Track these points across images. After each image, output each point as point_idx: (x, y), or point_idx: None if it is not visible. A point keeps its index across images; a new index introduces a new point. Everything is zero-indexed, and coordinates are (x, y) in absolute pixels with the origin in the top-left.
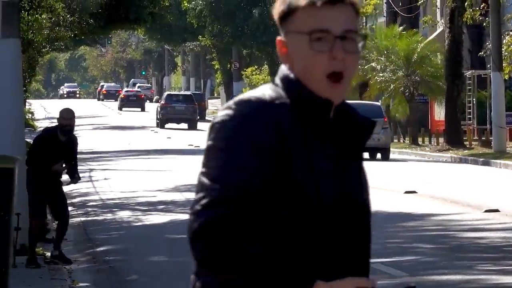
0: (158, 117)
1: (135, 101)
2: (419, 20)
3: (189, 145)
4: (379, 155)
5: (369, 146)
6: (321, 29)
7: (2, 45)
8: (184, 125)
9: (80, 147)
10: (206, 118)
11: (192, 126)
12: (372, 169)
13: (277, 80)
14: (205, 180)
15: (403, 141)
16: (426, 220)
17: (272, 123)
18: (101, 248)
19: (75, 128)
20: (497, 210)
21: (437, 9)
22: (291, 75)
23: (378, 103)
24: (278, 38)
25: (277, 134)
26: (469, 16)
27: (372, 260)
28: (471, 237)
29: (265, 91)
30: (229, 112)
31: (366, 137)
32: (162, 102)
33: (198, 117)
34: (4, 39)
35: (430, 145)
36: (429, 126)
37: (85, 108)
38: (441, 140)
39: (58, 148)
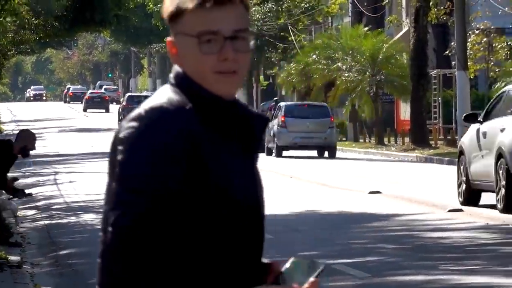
0: (120, 117)
1: (99, 103)
2: (384, 20)
3: None
4: (326, 154)
5: (316, 145)
6: (210, 31)
7: None
8: None
9: (46, 150)
10: None
11: None
12: (336, 169)
13: (172, 81)
14: (122, 193)
15: (369, 141)
16: (390, 220)
17: (183, 129)
18: (65, 251)
19: (42, 131)
20: (461, 210)
21: (403, 9)
22: (184, 76)
23: (325, 104)
24: (168, 38)
25: (188, 140)
26: (434, 15)
27: (335, 261)
28: (434, 237)
29: (170, 95)
30: (140, 122)
31: (261, 134)
32: (124, 103)
33: None
34: None
35: (396, 144)
36: (395, 126)
37: (51, 111)
38: (407, 139)
39: (10, 161)
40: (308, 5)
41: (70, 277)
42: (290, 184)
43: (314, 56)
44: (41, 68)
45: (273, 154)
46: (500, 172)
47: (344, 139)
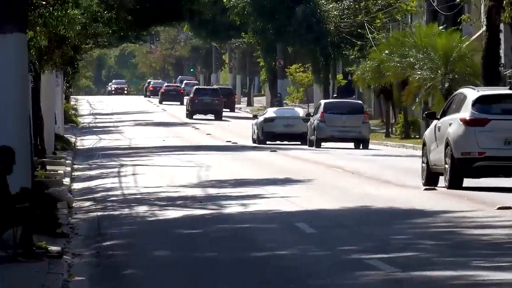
0: (188, 108)
1: (174, 96)
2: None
3: (227, 141)
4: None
5: (351, 137)
6: None
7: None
8: (211, 116)
9: (118, 143)
10: (236, 111)
11: (218, 117)
12: (399, 166)
13: None
14: None
15: None
16: (437, 217)
17: None
18: (108, 243)
19: (118, 124)
20: (509, 208)
21: (481, 7)
22: None
23: (360, 102)
24: None
25: None
26: (508, 14)
27: (368, 256)
28: (476, 234)
29: None
30: None
31: None
32: (191, 95)
33: (228, 110)
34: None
35: None
36: None
37: (130, 104)
38: None
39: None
40: (385, 2)
41: (105, 268)
42: (350, 179)
43: (387, 52)
44: (124, 62)
45: (314, 146)
46: (447, 158)
47: (417, 136)
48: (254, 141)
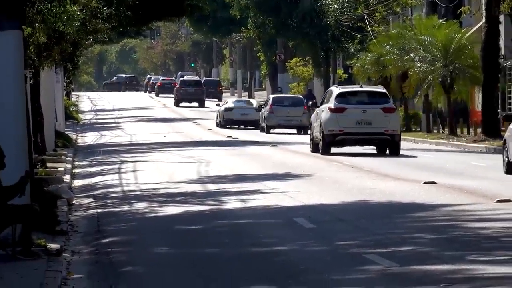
0: (175, 97)
1: (170, 88)
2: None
3: (227, 136)
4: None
5: (294, 125)
6: None
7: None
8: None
9: (119, 140)
10: (222, 100)
11: (201, 105)
12: (399, 161)
13: None
14: None
15: (442, 132)
16: (436, 210)
17: None
18: (107, 240)
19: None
20: (509, 200)
21: None
22: None
23: (301, 96)
24: None
25: None
26: (507, 5)
27: (368, 250)
28: (474, 227)
29: None
30: None
31: None
32: (177, 86)
33: (216, 99)
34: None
35: (467, 135)
36: (469, 117)
37: (131, 100)
38: (479, 130)
39: None
40: None
41: (103, 265)
42: (349, 173)
43: (388, 47)
44: (125, 58)
45: (264, 131)
46: (320, 133)
47: (418, 129)
48: (217, 124)
